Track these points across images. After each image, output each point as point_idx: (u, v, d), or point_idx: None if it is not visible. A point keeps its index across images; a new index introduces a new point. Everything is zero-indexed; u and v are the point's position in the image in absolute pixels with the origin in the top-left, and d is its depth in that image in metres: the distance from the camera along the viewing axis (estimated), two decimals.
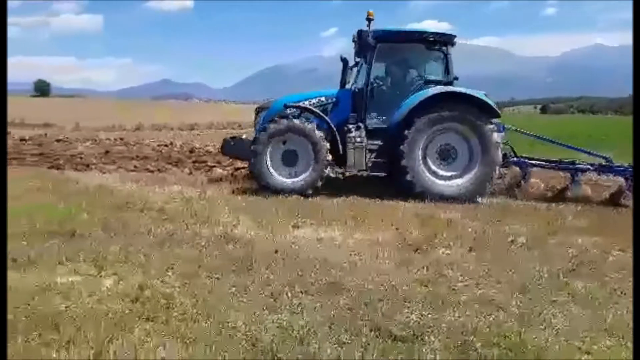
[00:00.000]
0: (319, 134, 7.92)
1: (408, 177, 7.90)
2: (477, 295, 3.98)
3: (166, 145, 14.28)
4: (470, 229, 6.06)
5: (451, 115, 7.96)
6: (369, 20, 8.27)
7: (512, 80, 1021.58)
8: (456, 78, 8.43)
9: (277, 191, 7.77)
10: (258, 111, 9.14)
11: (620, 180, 8.38)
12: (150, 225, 5.42)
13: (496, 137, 7.96)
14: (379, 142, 8.21)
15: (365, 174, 8.34)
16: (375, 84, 8.45)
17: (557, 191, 8.50)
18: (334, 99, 8.61)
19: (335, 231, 5.64)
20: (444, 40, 8.39)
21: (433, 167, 8.11)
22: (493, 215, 6.89)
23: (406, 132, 7.87)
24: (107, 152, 12.39)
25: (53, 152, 12.01)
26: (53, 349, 2.76)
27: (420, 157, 7.97)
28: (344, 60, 8.75)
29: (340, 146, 8.11)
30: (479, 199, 8.02)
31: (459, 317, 3.55)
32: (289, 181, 7.96)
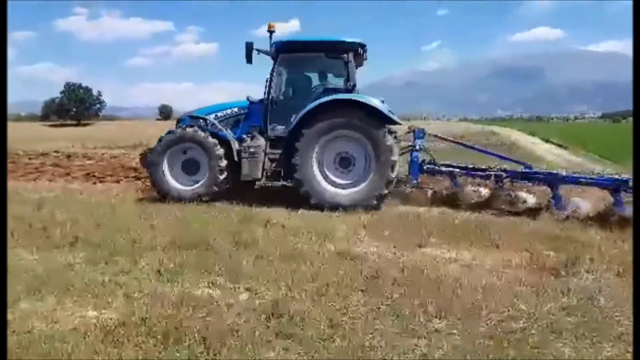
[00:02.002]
0: (212, 142, 8.13)
1: (300, 185, 7.88)
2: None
3: None
4: (615, 250, 5.38)
5: (342, 123, 7.84)
6: (270, 32, 8.43)
7: None
8: (354, 85, 8.21)
9: (176, 199, 8.07)
10: (178, 121, 9.41)
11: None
12: (275, 240, 5.56)
13: (390, 144, 7.71)
14: (279, 151, 8.22)
15: (262, 183, 8.34)
16: (277, 94, 8.56)
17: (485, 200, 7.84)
18: (247, 110, 8.75)
19: (463, 251, 5.32)
20: (345, 48, 8.25)
21: (330, 175, 7.99)
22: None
23: (297, 140, 7.88)
24: None
25: None
26: None
27: (314, 165, 7.90)
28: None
29: (236, 155, 8.22)
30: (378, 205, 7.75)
31: (621, 352, 3.12)
32: (188, 189, 8.25)
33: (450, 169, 8.56)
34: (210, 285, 4.16)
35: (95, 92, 78.79)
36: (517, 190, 7.77)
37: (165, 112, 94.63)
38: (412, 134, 8.95)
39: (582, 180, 7.52)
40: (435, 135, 9.38)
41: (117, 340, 3.10)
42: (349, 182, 7.95)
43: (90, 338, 3.12)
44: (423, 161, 8.67)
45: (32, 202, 7.80)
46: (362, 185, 7.83)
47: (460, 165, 8.73)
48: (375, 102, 7.91)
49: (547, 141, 37.80)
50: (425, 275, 4.39)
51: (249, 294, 3.94)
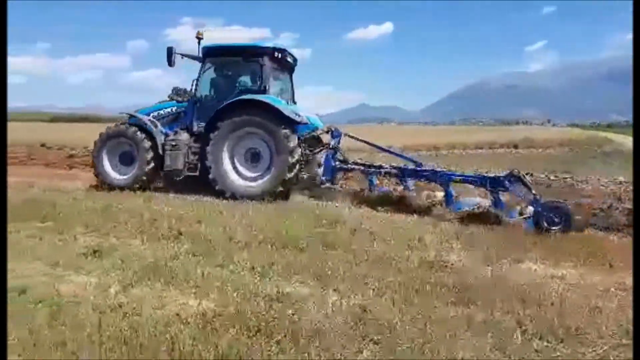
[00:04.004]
0: (140, 137, 9.32)
1: (211, 177, 8.87)
2: None
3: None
4: None
5: (247, 121, 8.74)
6: (199, 39, 9.56)
7: None
8: (265, 87, 9.06)
9: (113, 187, 9.30)
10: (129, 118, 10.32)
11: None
12: (364, 245, 5.54)
13: (290, 141, 8.52)
14: (200, 145, 9.16)
15: (183, 174, 9.26)
16: (203, 93, 9.64)
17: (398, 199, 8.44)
18: (184, 109, 9.76)
19: (567, 268, 4.91)
20: (259, 53, 9.22)
21: (240, 169, 8.98)
22: None
23: (210, 136, 8.88)
24: None
25: None
26: (290, 357, 2.94)
27: (225, 159, 8.86)
28: None
29: (160, 149, 9.32)
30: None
31: None
32: (122, 177, 9.53)
33: (355, 166, 9.30)
34: (300, 284, 4.25)
35: None
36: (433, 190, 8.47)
37: None
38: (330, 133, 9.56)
39: (454, 177, 8.11)
40: (349, 136, 9.77)
41: (214, 329, 3.27)
42: (257, 174, 8.93)
43: (191, 326, 3.33)
44: (338, 160, 9.29)
45: (144, 196, 8.57)
46: (267, 176, 8.75)
47: (364, 163, 9.57)
48: (277, 103, 8.83)
49: None
50: (523, 291, 4.11)
51: (337, 296, 3.96)
